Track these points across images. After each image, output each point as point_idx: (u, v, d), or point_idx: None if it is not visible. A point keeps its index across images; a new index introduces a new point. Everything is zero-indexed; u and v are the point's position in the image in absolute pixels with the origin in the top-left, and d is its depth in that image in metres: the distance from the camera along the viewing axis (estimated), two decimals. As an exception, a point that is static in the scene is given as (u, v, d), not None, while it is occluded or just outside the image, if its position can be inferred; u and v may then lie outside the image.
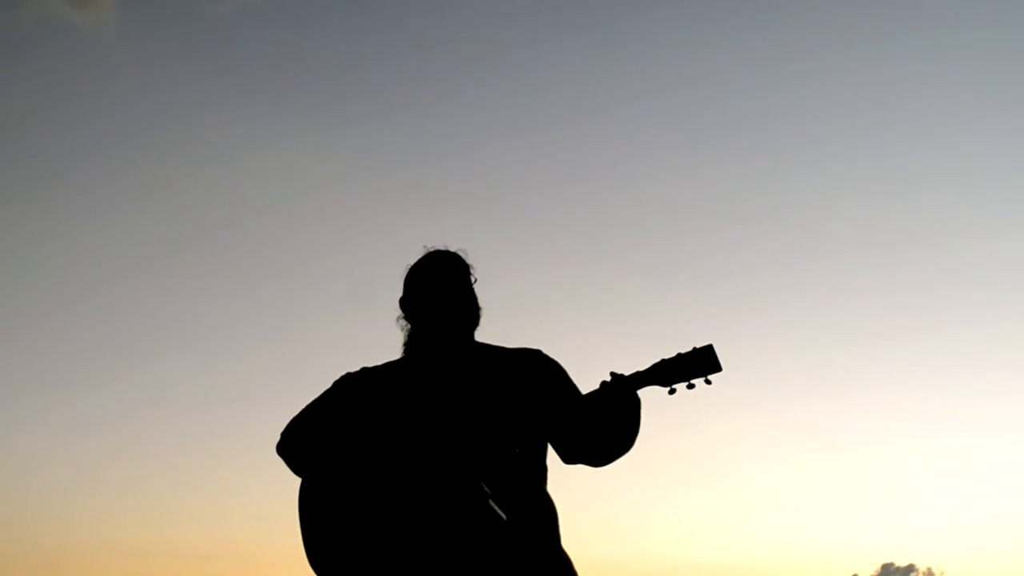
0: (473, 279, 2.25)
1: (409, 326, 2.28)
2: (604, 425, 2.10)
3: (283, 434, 2.25)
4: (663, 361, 2.11)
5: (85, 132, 13.03)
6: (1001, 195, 13.49)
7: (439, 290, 2.21)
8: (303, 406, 2.27)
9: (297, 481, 2.18)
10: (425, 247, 2.27)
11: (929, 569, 14.26)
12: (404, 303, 2.28)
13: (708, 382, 2.09)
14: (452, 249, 2.27)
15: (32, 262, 13.14)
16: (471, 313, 2.23)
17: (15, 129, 12.82)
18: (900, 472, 14.06)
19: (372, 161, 13.47)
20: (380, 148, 13.40)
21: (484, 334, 2.29)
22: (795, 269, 14.12)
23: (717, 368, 2.09)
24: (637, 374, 2.10)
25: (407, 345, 2.29)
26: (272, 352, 13.78)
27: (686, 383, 2.09)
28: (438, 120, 13.43)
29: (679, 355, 2.10)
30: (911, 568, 14.42)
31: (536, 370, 2.21)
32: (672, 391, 2.09)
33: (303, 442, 2.21)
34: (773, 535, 14.07)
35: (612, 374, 2.10)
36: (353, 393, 2.23)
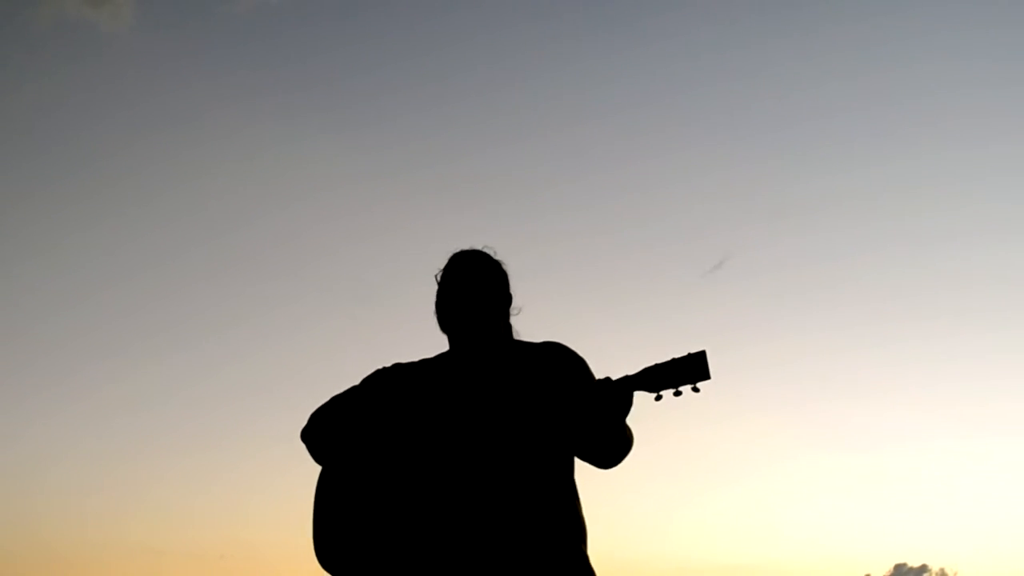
0: (501, 276, 2.24)
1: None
2: (597, 427, 2.08)
3: (310, 419, 2.25)
4: (654, 366, 2.06)
5: (100, 130, 13.12)
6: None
7: (456, 291, 2.22)
8: (331, 395, 2.27)
9: (311, 478, 2.19)
10: (459, 248, 2.28)
11: (942, 570, 14.21)
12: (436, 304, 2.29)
13: (696, 390, 2.03)
14: (480, 247, 2.27)
15: (44, 259, 13.24)
16: (491, 312, 2.21)
17: (31, 127, 12.92)
18: (913, 472, 14.00)
19: (388, 161, 13.52)
20: (396, 149, 13.45)
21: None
22: (815, 270, 14.09)
23: (706, 376, 2.03)
24: (626, 378, 2.07)
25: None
26: (285, 352, 13.84)
27: (673, 390, 2.04)
28: (453, 121, 13.46)
29: (672, 360, 2.05)
30: (924, 568, 14.37)
31: (559, 367, 2.15)
32: (659, 397, 2.05)
33: (327, 431, 2.21)
34: (784, 535, 14.04)
35: (606, 378, 2.08)
36: (383, 388, 2.23)
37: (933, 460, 13.95)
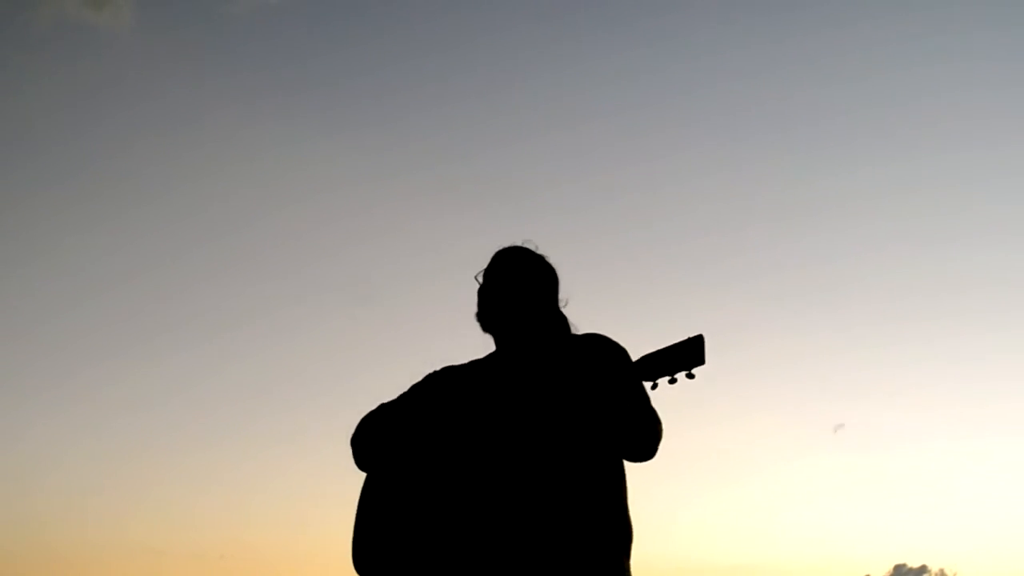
0: (543, 272, 2.18)
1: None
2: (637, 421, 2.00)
3: (358, 426, 2.20)
4: (653, 353, 2.03)
5: (100, 131, 13.13)
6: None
7: (497, 291, 2.17)
8: (389, 399, 2.23)
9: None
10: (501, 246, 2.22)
11: (941, 570, 14.23)
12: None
13: (691, 376, 1.98)
14: (520, 243, 2.21)
15: (43, 261, 13.24)
16: (534, 309, 2.15)
17: (32, 128, 12.93)
18: (913, 473, 14.02)
19: (388, 162, 13.53)
20: (396, 149, 13.46)
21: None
22: (816, 271, 14.10)
23: (701, 361, 1.97)
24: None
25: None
26: (286, 353, 13.85)
27: (669, 377, 2.00)
28: (454, 122, 13.47)
29: (670, 346, 2.01)
30: (923, 569, 14.39)
31: (602, 363, 2.04)
32: (655, 386, 2.01)
33: (374, 437, 2.16)
34: (784, 535, 14.05)
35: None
36: (431, 393, 2.17)
37: (933, 461, 13.98)
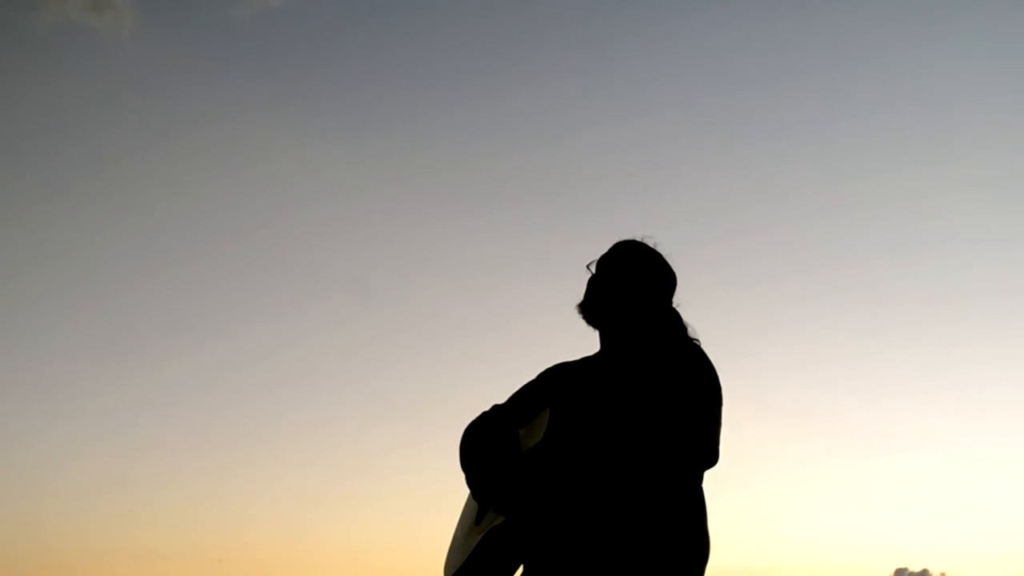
0: (659, 270, 2.07)
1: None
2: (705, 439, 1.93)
3: (468, 428, 2.11)
4: None
5: (102, 136, 13.13)
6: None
7: (605, 281, 2.06)
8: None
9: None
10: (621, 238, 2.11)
11: (943, 574, 14.20)
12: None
13: None
14: (639, 238, 2.10)
15: (46, 265, 13.25)
16: (643, 309, 2.03)
17: (32, 132, 12.93)
18: (915, 476, 14.02)
19: (396, 166, 13.47)
20: (405, 154, 13.42)
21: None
22: (819, 276, 14.09)
23: None
24: None
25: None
26: (287, 357, 13.82)
27: None
28: (463, 126, 13.45)
29: None
30: (925, 573, 14.36)
31: (694, 379, 1.93)
32: None
33: (488, 441, 2.05)
34: (784, 539, 14.03)
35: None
36: (545, 389, 2.11)
37: (935, 464, 13.96)
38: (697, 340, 2.05)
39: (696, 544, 1.90)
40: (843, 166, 13.52)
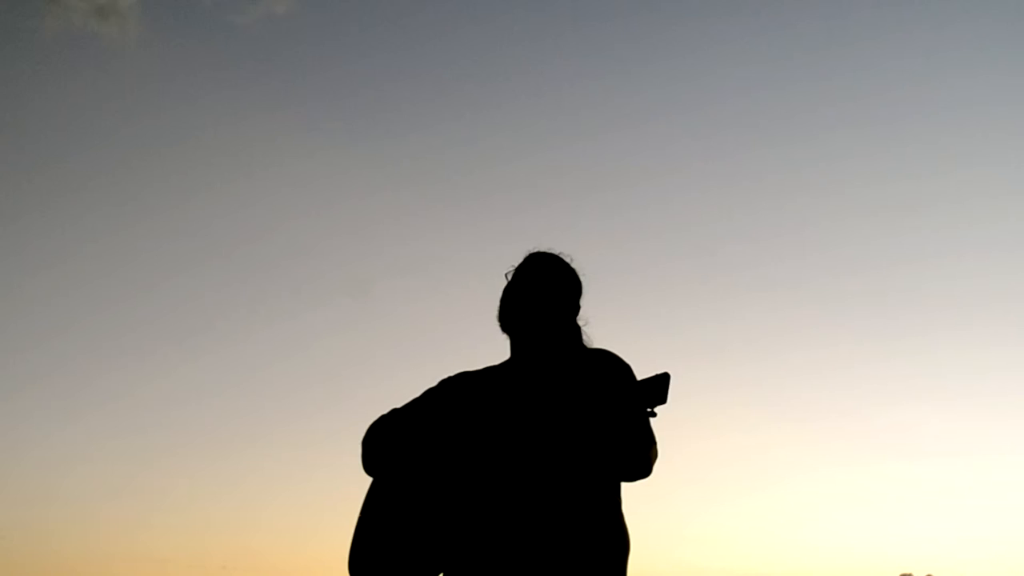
0: (574, 282, 2.18)
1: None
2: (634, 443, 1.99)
3: (368, 429, 2.17)
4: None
5: (107, 143, 13.17)
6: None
7: (526, 292, 2.15)
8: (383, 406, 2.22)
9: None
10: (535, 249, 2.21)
11: (947, 580, 14.14)
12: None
13: (653, 415, 1.93)
14: (556, 252, 2.20)
15: (56, 271, 13.28)
16: (558, 318, 2.13)
17: (38, 138, 12.98)
18: (920, 482, 13.98)
19: (402, 173, 13.50)
20: (410, 160, 13.44)
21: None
22: (832, 283, 14.06)
23: (663, 400, 1.90)
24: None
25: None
26: (292, 364, 13.84)
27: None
28: (462, 134, 13.46)
29: (639, 380, 1.97)
30: (930, 579, 14.30)
31: (610, 380, 2.03)
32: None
33: (383, 441, 2.14)
34: (790, 545, 14.00)
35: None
36: (442, 400, 2.16)
37: (941, 469, 13.92)
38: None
39: (620, 538, 1.98)
40: (854, 173, 13.52)
